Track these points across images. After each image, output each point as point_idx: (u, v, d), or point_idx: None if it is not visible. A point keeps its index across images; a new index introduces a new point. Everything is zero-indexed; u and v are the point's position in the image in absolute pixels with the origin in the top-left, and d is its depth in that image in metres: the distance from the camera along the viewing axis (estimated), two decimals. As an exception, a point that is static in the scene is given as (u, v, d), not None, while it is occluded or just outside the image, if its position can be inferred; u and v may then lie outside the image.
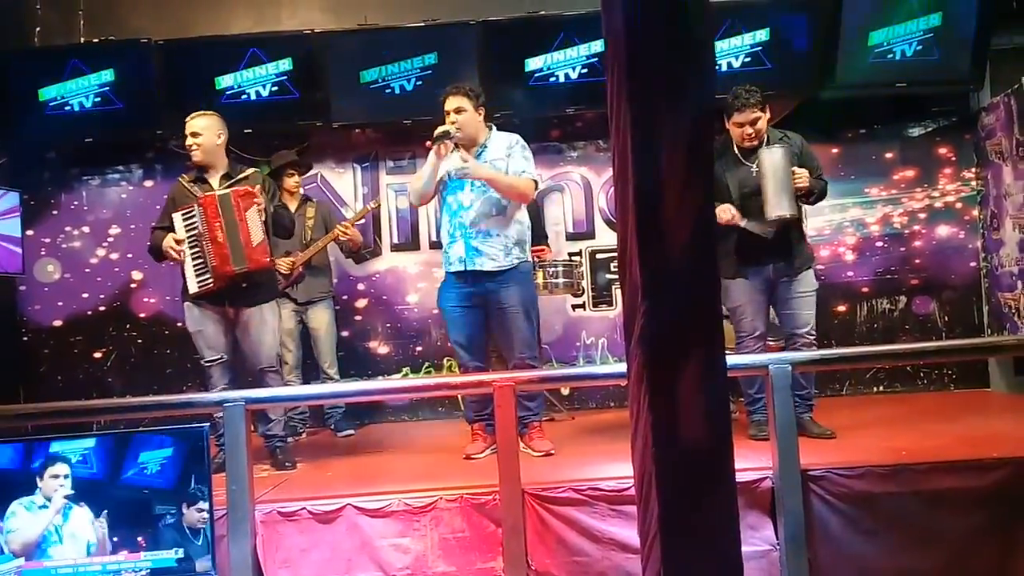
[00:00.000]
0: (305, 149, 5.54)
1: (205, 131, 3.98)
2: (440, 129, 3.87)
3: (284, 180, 5.07)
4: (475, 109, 3.95)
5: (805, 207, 4.24)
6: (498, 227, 3.91)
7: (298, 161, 5.23)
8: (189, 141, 3.98)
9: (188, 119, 4.03)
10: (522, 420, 4.03)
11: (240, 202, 3.82)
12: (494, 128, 4.07)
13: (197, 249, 3.84)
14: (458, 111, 3.92)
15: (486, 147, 3.99)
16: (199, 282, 3.84)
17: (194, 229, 3.84)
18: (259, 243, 3.85)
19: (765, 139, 3.97)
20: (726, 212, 3.89)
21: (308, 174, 5.55)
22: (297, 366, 5.07)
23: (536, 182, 4.03)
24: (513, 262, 3.93)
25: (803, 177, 3.83)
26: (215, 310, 3.95)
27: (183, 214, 3.86)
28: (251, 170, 4.13)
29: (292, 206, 5.04)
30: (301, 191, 5.26)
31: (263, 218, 3.89)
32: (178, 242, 3.84)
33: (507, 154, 3.97)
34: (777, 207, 3.78)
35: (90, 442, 2.83)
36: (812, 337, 3.97)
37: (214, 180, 4.01)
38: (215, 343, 3.96)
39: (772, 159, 3.80)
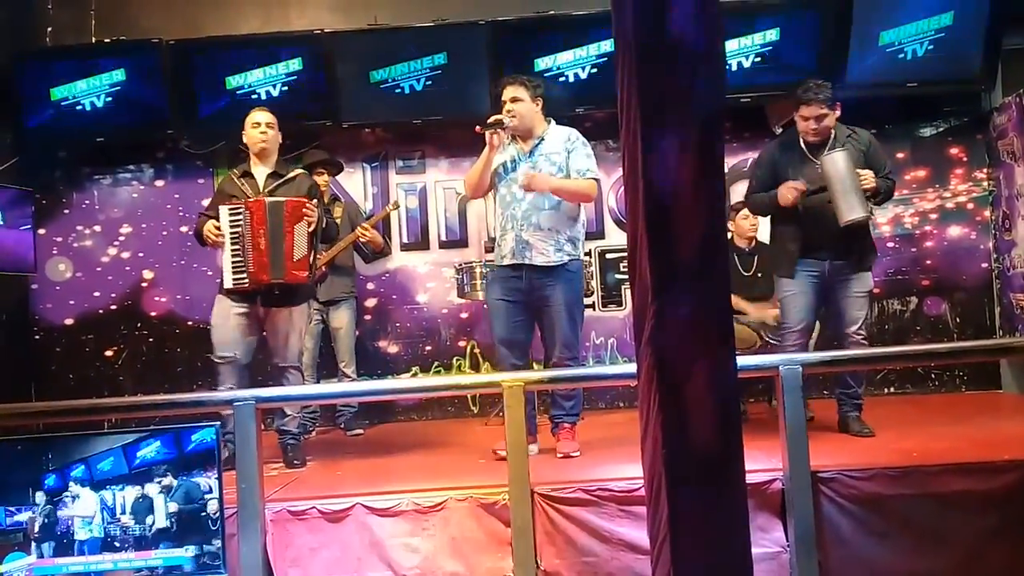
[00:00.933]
0: (319, 148, 5.54)
1: (275, 124, 4.05)
2: (493, 118, 3.82)
3: (314, 179, 5.09)
4: (532, 99, 3.87)
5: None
6: (551, 222, 3.83)
7: (329, 160, 5.21)
8: (263, 130, 3.99)
9: (257, 110, 4.07)
10: (554, 419, 4.00)
11: (291, 214, 3.83)
12: (552, 121, 4.00)
13: (238, 248, 3.85)
14: (514, 100, 3.85)
15: (543, 139, 3.91)
16: (235, 280, 3.86)
17: (238, 227, 3.84)
18: (300, 258, 3.86)
19: (832, 136, 3.93)
20: (790, 192, 3.84)
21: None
22: (312, 364, 5.08)
23: (598, 181, 3.95)
24: (563, 259, 3.84)
25: (868, 178, 3.78)
26: (245, 307, 3.94)
27: (231, 208, 3.87)
28: (298, 171, 4.17)
29: None
30: (330, 190, 5.28)
31: (311, 229, 3.90)
32: (218, 228, 3.87)
33: (566, 148, 3.90)
34: (849, 212, 3.74)
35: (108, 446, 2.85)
36: (861, 336, 3.93)
37: (261, 177, 4.02)
38: (232, 341, 3.93)
39: (835, 166, 3.75)
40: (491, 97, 5.15)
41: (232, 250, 3.86)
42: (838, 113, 3.94)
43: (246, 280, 3.84)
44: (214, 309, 4.01)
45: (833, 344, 4.09)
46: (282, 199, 3.88)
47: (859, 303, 3.94)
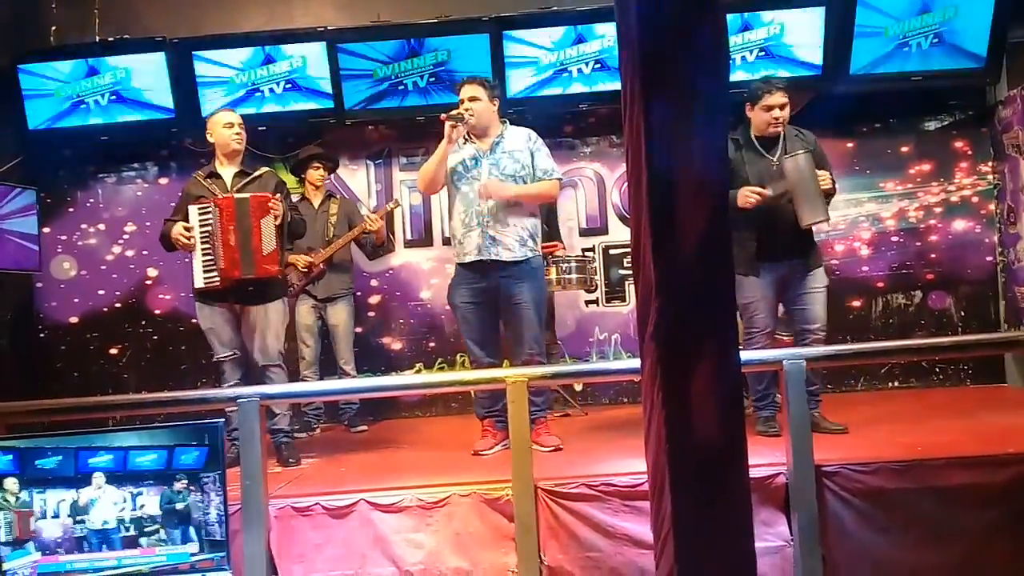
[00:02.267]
0: (322, 146, 5.53)
1: (243, 124, 4.08)
2: (454, 112, 3.88)
3: (308, 173, 5.09)
4: (489, 100, 3.97)
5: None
6: (514, 217, 3.91)
7: (323, 155, 5.20)
8: (237, 131, 4.02)
9: (226, 111, 4.10)
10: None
11: (257, 209, 3.84)
12: (508, 122, 4.09)
13: (208, 246, 3.87)
14: (472, 99, 3.93)
15: (503, 138, 3.99)
16: (205, 278, 3.88)
17: (208, 226, 3.86)
18: (270, 252, 3.88)
19: (783, 135, 3.95)
20: (750, 197, 3.80)
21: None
22: (314, 362, 5.09)
23: (560, 180, 4.07)
24: (527, 254, 3.93)
25: (827, 179, 3.81)
26: (223, 307, 3.98)
27: (200, 208, 3.89)
28: (264, 169, 4.17)
29: (316, 201, 5.07)
30: (326, 186, 5.26)
31: (278, 223, 3.91)
32: (188, 229, 3.87)
33: (528, 148, 3.98)
34: (811, 214, 3.75)
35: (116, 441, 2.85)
36: (823, 333, 3.94)
37: (228, 177, 4.04)
38: (226, 339, 3.99)
39: (797, 166, 3.75)
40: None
41: (203, 249, 3.88)
42: (790, 108, 3.97)
43: (217, 278, 3.86)
44: (199, 315, 4.04)
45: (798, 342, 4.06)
46: (247, 195, 3.90)
47: (819, 299, 3.96)
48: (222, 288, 3.88)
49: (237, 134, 4.02)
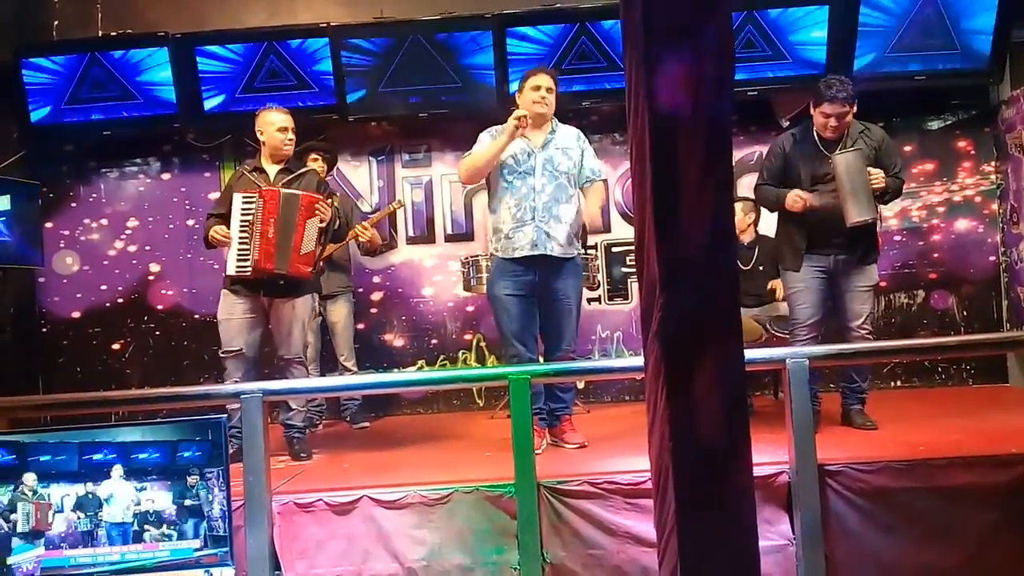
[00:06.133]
0: (324, 141, 5.51)
1: (295, 129, 4.06)
2: (520, 112, 3.79)
3: (307, 165, 5.08)
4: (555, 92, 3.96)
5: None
6: (565, 214, 3.88)
7: (320, 145, 5.15)
8: (289, 136, 4.00)
9: (278, 111, 4.05)
10: (554, 412, 3.99)
11: (305, 209, 3.84)
12: (555, 119, 4.03)
13: (246, 235, 3.85)
14: (550, 90, 3.89)
15: (555, 132, 3.95)
16: (238, 267, 3.87)
17: (249, 215, 3.84)
18: (307, 252, 3.87)
19: (845, 133, 3.91)
20: (797, 201, 3.84)
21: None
22: (315, 358, 5.07)
23: (606, 181, 4.13)
24: (573, 252, 3.93)
25: (879, 177, 3.78)
26: (250, 298, 3.96)
27: (244, 196, 3.87)
28: (307, 168, 4.19)
29: None
30: (326, 183, 5.23)
31: (323, 225, 3.91)
32: (221, 233, 3.87)
33: (579, 146, 3.97)
34: (856, 213, 3.74)
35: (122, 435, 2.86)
36: (866, 331, 3.93)
37: (272, 173, 4.02)
38: (238, 334, 3.95)
39: (846, 164, 3.74)
40: (497, 92, 5.18)
41: (240, 237, 3.86)
42: (855, 110, 3.91)
43: (249, 268, 3.85)
44: (220, 304, 4.02)
45: (838, 338, 4.07)
46: (298, 192, 3.88)
47: (863, 297, 3.94)
48: (253, 278, 3.88)
49: (290, 140, 4.01)
